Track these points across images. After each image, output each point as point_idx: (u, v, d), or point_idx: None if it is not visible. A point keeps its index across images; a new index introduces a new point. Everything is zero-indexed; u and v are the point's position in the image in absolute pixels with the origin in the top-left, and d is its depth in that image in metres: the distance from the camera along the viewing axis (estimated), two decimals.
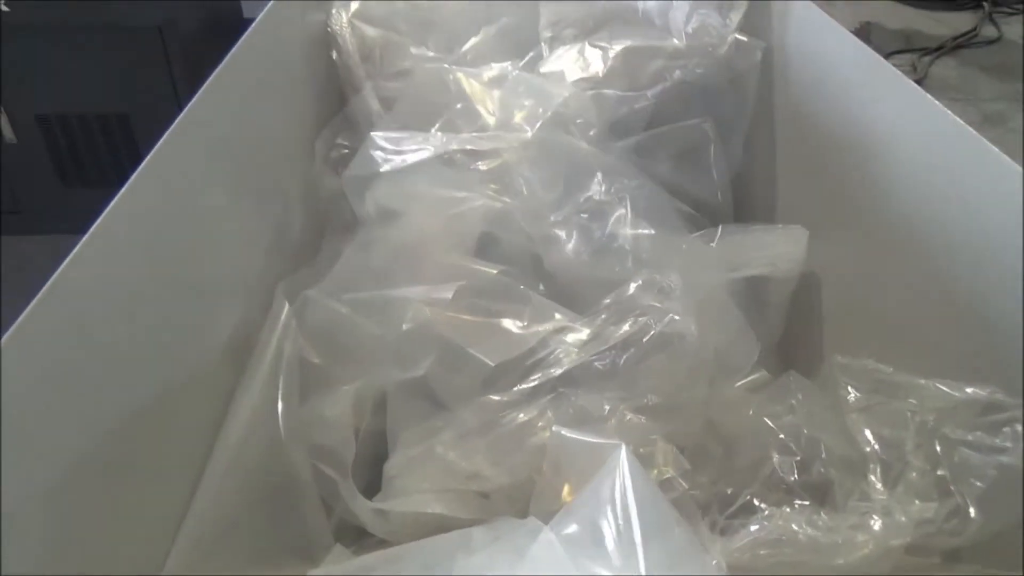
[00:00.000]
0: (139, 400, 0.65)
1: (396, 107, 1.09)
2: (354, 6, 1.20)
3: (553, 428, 0.68)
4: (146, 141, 2.17)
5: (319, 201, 1.10)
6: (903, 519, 0.55)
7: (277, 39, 1.09)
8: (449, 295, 0.81)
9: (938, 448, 0.54)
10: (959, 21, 4.10)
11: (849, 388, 0.63)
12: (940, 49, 3.78)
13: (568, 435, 0.65)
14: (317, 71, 1.18)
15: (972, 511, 0.53)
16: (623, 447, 0.55)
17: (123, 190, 0.65)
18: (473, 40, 1.19)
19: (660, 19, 1.13)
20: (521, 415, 0.75)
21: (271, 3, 1.05)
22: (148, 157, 0.69)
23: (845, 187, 0.99)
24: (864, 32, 3.68)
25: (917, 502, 0.54)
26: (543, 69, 1.11)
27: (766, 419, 0.68)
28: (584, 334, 0.78)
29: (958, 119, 0.78)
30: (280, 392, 0.77)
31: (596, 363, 0.76)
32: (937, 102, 0.81)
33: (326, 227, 1.11)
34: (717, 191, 1.10)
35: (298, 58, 1.15)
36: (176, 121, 0.75)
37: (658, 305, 0.77)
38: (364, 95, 1.14)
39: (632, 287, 0.80)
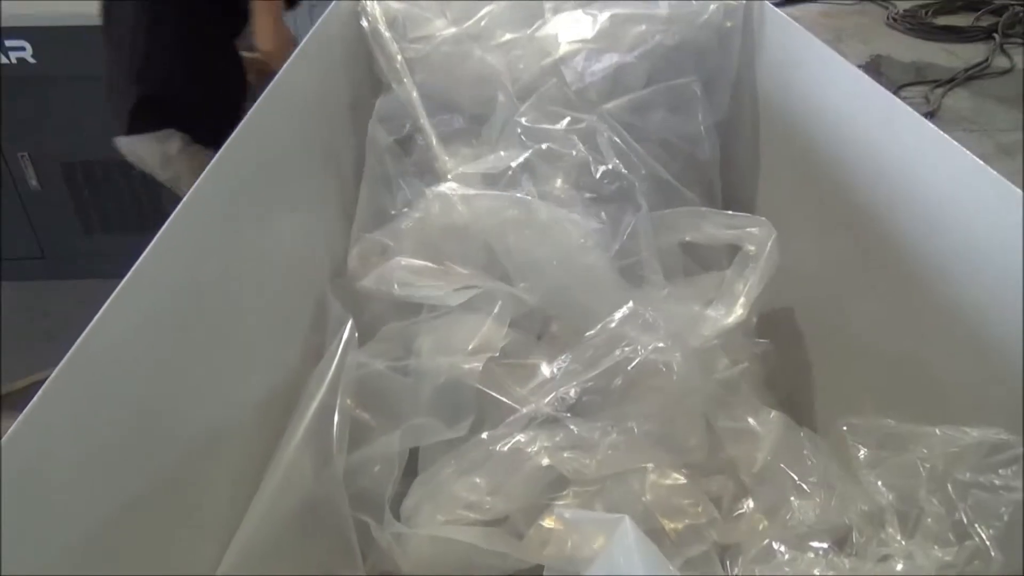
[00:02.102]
0: (180, 443, 0.66)
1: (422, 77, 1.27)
2: None
3: (556, 510, 0.71)
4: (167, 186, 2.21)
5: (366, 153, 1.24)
6: (924, 562, 0.54)
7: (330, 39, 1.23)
8: (479, 365, 0.86)
9: (952, 493, 0.53)
10: (970, 53, 4.11)
11: (859, 447, 0.65)
12: (952, 81, 3.78)
13: (571, 516, 0.69)
14: (347, 39, 1.32)
15: (993, 552, 0.52)
16: (626, 519, 0.58)
17: (165, 227, 0.67)
18: (487, 8, 1.34)
19: None
20: (512, 442, 0.78)
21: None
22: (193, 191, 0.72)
23: (837, 205, 1.01)
24: (875, 65, 3.69)
25: (936, 547, 0.53)
26: (541, 33, 1.30)
27: (783, 465, 0.68)
28: (574, 364, 0.83)
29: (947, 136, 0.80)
30: (334, 440, 0.80)
31: (586, 390, 0.80)
32: (926, 120, 0.84)
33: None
34: (705, 143, 1.26)
35: (335, 32, 1.28)
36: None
37: (643, 335, 0.81)
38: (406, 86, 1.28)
39: (617, 318, 0.84)
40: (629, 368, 0.79)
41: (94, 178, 2.23)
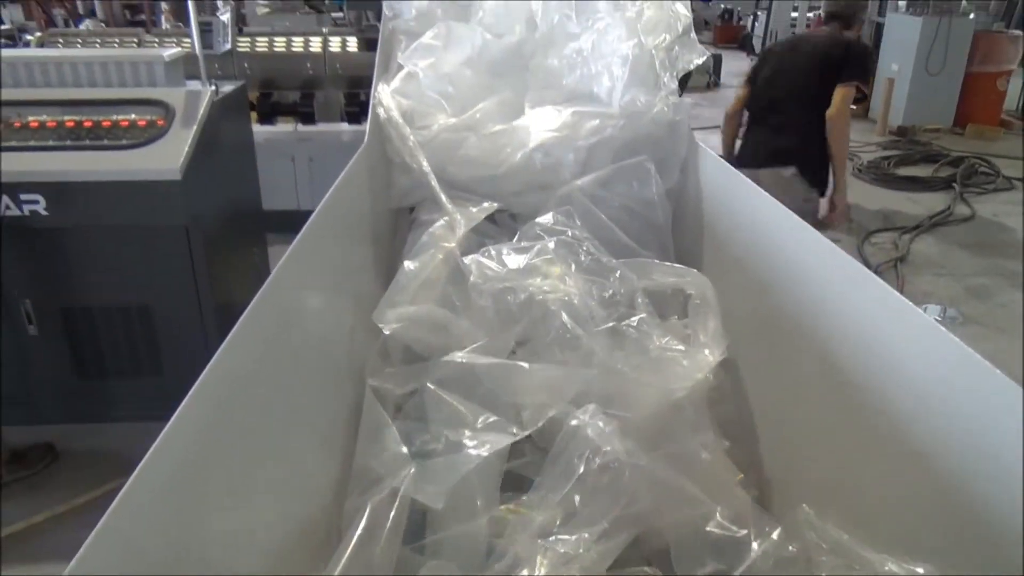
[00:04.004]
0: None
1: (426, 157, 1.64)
2: (394, 84, 1.81)
3: None
4: (165, 332, 2.24)
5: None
6: None
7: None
8: (485, 521, 1.01)
9: None
10: (932, 201, 4.37)
11: (818, 543, 0.76)
12: (918, 228, 3.99)
13: None
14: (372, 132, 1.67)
15: None
16: None
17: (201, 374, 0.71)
18: (480, 105, 1.73)
19: (607, 97, 1.77)
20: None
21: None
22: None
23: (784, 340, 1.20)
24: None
25: None
26: (521, 124, 1.71)
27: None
28: (544, 489, 0.98)
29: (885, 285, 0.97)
30: None
31: (563, 506, 0.96)
32: (859, 264, 1.04)
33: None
34: (659, 209, 1.65)
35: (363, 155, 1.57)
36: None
37: (594, 439, 0.99)
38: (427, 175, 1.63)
39: (566, 431, 1.01)
40: (595, 470, 0.97)
41: (93, 323, 2.26)
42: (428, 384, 1.14)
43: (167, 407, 0.75)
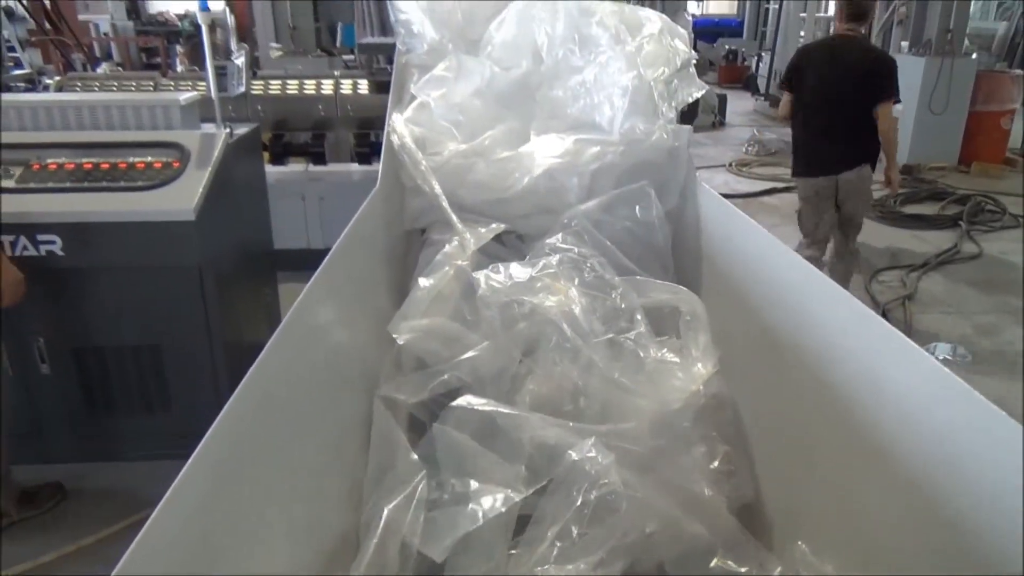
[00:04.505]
0: None
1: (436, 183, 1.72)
2: (407, 113, 1.90)
3: None
4: (176, 371, 2.25)
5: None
6: None
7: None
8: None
9: None
10: (939, 239, 4.38)
11: None
12: (925, 266, 3.99)
13: None
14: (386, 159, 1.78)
15: None
16: None
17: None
18: (489, 133, 1.84)
19: (608, 125, 1.87)
20: None
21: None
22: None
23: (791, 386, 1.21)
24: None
25: None
26: (523, 149, 1.80)
27: None
28: (550, 519, 1.02)
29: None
30: None
31: (561, 538, 1.00)
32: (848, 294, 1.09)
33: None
34: (658, 232, 1.73)
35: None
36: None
37: (592, 472, 1.03)
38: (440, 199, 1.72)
39: (566, 463, 1.05)
40: (592, 502, 1.01)
41: (104, 362, 2.28)
42: (437, 425, 1.15)
43: (177, 446, 0.76)
